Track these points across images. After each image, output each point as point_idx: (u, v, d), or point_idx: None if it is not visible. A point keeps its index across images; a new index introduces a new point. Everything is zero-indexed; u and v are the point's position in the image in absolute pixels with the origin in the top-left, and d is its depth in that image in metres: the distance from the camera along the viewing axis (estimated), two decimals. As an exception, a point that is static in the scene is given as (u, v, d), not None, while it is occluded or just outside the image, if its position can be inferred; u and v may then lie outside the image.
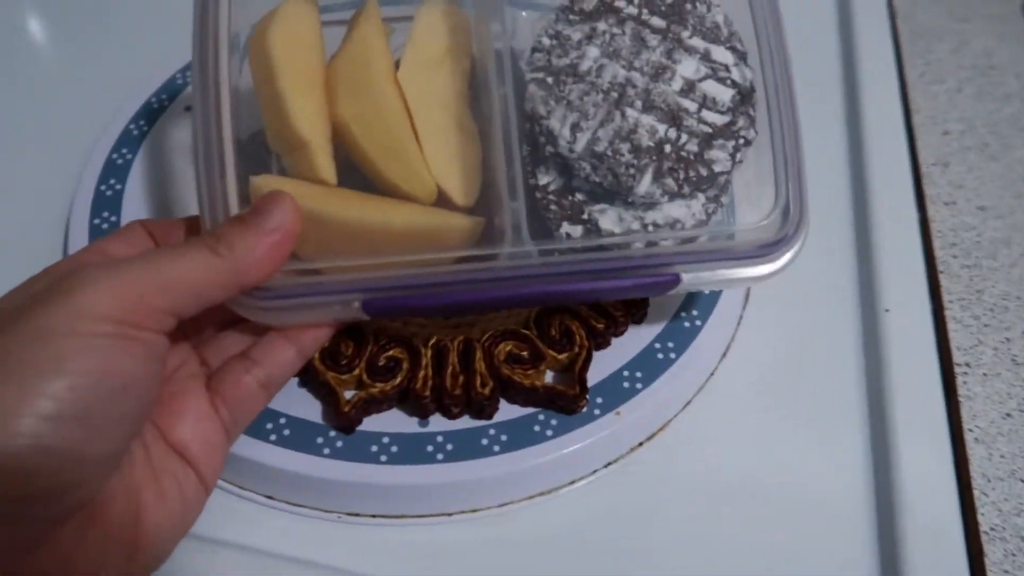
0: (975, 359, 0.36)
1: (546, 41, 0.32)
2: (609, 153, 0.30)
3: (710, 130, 0.31)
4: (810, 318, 0.39)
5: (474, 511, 0.32)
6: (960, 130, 0.47)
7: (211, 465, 0.25)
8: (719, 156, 0.31)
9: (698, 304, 0.36)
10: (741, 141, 0.31)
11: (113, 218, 0.38)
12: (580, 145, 0.31)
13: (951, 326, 0.38)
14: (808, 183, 0.30)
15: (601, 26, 0.32)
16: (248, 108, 0.31)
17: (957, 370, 0.36)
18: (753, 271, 0.30)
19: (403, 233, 0.31)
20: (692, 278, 0.29)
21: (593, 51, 0.32)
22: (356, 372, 0.32)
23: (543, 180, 0.32)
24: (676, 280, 0.29)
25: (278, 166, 0.32)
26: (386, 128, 0.31)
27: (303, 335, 0.28)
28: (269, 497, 0.32)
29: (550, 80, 0.31)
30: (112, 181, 0.39)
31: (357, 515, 0.31)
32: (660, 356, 0.34)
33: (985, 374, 0.36)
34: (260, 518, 0.31)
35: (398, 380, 0.32)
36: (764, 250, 0.29)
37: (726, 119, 0.31)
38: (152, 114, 0.42)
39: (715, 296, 0.37)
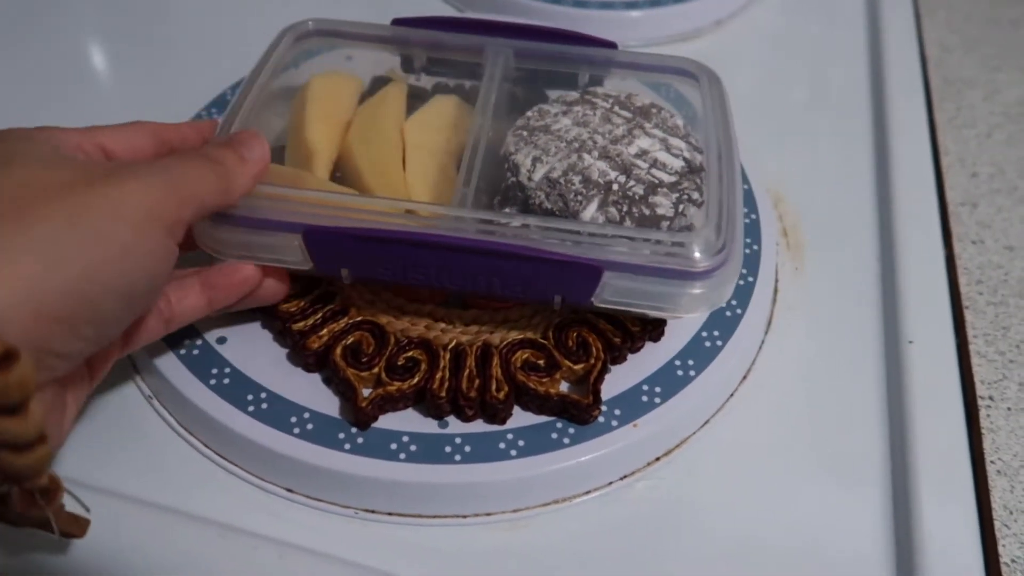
0: (999, 393, 0.36)
1: (529, 114, 0.37)
2: (562, 181, 0.33)
3: (656, 182, 0.34)
4: (833, 347, 0.39)
5: (488, 515, 0.32)
6: (989, 173, 0.47)
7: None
8: (663, 202, 0.33)
9: (719, 325, 0.37)
10: (686, 197, 0.34)
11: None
12: (538, 175, 0.34)
13: (975, 360, 0.37)
14: (740, 231, 0.32)
15: (577, 108, 0.37)
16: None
17: (980, 403, 0.36)
18: (682, 288, 0.30)
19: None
20: (617, 278, 0.30)
21: (566, 120, 0.36)
22: (375, 370, 0.33)
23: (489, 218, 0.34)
24: (597, 270, 0.30)
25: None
26: (380, 153, 0.36)
27: (221, 283, 0.32)
28: (289, 490, 0.32)
29: (525, 134, 0.36)
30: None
31: (373, 512, 0.32)
32: (680, 373, 0.35)
33: (1009, 408, 0.36)
34: (280, 509, 0.32)
35: (416, 380, 0.33)
36: (694, 267, 0.30)
37: (673, 179, 0.34)
38: (202, 126, 0.44)
39: (736, 319, 0.37)
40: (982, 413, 0.35)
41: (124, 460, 0.33)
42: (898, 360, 0.37)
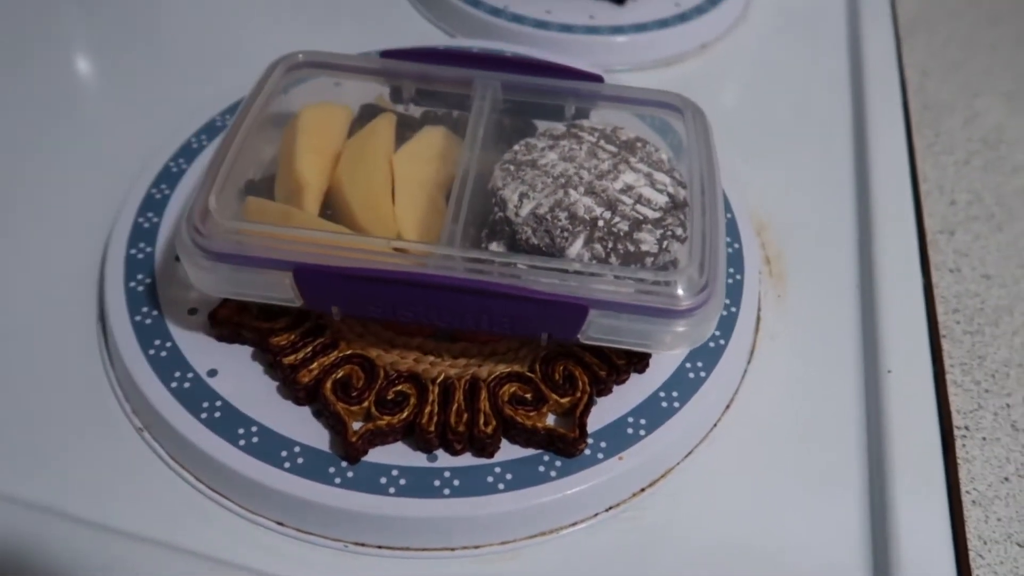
0: (975, 423, 0.37)
1: (516, 148, 0.37)
2: (548, 217, 0.34)
3: (641, 218, 0.34)
4: (813, 376, 0.39)
5: (477, 547, 0.33)
6: (967, 200, 0.48)
7: None
8: (647, 238, 0.34)
9: (703, 356, 0.37)
10: (669, 233, 0.34)
11: (148, 249, 0.40)
12: (525, 211, 0.35)
13: (952, 390, 0.38)
14: (723, 261, 0.33)
15: (563, 142, 0.37)
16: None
17: (957, 433, 0.37)
18: (666, 326, 0.31)
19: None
20: (603, 316, 0.31)
21: (552, 155, 0.37)
22: (365, 404, 0.33)
23: (491, 246, 0.35)
24: (583, 309, 0.30)
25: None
26: (368, 184, 0.37)
27: None
28: (280, 523, 0.33)
29: (512, 168, 0.36)
30: (150, 214, 0.41)
31: (363, 545, 0.32)
32: (664, 404, 0.35)
33: (984, 438, 0.36)
34: (270, 543, 0.32)
35: (405, 414, 0.33)
36: (676, 306, 0.31)
37: (657, 215, 0.35)
38: (191, 153, 0.44)
39: (720, 349, 0.38)
40: (958, 443, 0.36)
41: (114, 493, 0.33)
42: (877, 389, 0.38)
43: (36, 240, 0.42)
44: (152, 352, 0.35)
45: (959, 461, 0.36)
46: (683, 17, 0.57)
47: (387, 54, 0.40)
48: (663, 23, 0.56)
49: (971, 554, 0.32)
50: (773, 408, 0.38)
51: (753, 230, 0.44)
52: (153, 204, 0.42)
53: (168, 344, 0.36)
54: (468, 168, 0.35)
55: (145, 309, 0.37)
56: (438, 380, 0.34)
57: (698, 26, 0.57)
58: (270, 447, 0.33)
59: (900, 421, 0.37)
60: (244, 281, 0.32)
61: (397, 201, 0.37)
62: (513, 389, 0.34)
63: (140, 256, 0.39)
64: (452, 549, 0.32)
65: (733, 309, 0.39)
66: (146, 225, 0.41)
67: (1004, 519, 0.34)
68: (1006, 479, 0.35)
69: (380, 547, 0.32)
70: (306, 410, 0.34)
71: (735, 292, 0.40)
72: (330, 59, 0.40)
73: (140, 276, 0.38)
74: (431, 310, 0.31)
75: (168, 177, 0.43)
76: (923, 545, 0.33)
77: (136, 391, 0.35)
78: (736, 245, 0.42)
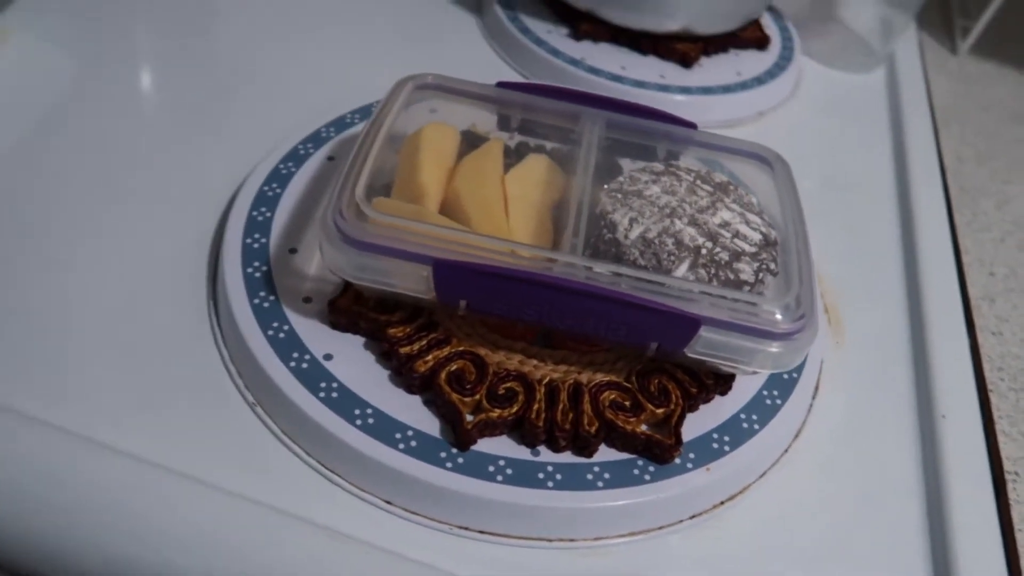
0: (1023, 468, 0.40)
1: (621, 179, 0.40)
2: (656, 241, 0.37)
3: (739, 250, 0.38)
4: (872, 415, 0.42)
5: (572, 540, 0.34)
6: (1004, 273, 0.52)
7: None
8: (745, 269, 0.37)
9: (778, 386, 0.40)
10: (764, 267, 0.38)
11: (263, 240, 0.42)
12: (635, 234, 0.37)
13: (1000, 439, 0.41)
14: (817, 296, 0.37)
15: (664, 178, 0.41)
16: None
17: (1007, 477, 0.40)
18: (763, 346, 0.34)
19: None
20: (711, 331, 0.34)
21: (656, 188, 0.40)
22: (477, 397, 0.35)
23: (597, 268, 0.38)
24: (696, 323, 0.33)
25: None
26: (486, 197, 0.40)
27: None
28: (388, 502, 0.34)
29: (620, 196, 0.39)
30: (263, 209, 0.44)
31: (467, 528, 0.34)
32: (745, 425, 0.38)
33: (1033, 484, 0.39)
34: (379, 519, 0.34)
35: (515, 409, 0.35)
36: (776, 328, 0.34)
37: (753, 249, 0.38)
38: (299, 158, 0.47)
39: (792, 382, 0.41)
40: (1009, 486, 0.39)
41: (227, 461, 0.35)
42: (932, 431, 0.41)
43: (150, 229, 0.44)
44: (271, 333, 0.37)
45: (1011, 503, 0.38)
46: (744, 85, 0.62)
47: (503, 85, 0.44)
48: (727, 88, 0.61)
49: (1026, 585, 0.35)
50: (836, 440, 0.41)
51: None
52: (265, 200, 0.44)
53: (286, 327, 0.38)
54: (583, 193, 0.38)
55: (263, 294, 0.39)
56: (543, 381, 0.37)
57: (756, 95, 0.62)
58: (385, 429, 0.35)
59: (955, 460, 0.39)
60: (382, 270, 0.34)
61: (511, 215, 0.39)
62: (613, 396, 0.37)
63: (255, 246, 0.42)
64: (550, 540, 0.34)
65: (803, 347, 0.42)
66: (260, 219, 0.43)
67: (1055, 557, 0.36)
68: (1054, 522, 0.38)
69: (483, 531, 0.34)
70: (416, 399, 0.36)
71: (803, 332, 0.43)
72: (453, 83, 0.43)
73: (256, 263, 0.41)
74: (555, 311, 0.34)
75: (278, 177, 0.46)
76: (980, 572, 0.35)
77: (255, 368, 0.37)
78: (803, 290, 0.45)
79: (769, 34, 0.67)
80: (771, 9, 0.71)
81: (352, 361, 0.37)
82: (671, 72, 0.61)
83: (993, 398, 0.43)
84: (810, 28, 0.70)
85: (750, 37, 0.65)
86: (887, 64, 0.70)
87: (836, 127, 0.64)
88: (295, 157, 0.47)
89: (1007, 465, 0.40)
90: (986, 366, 0.45)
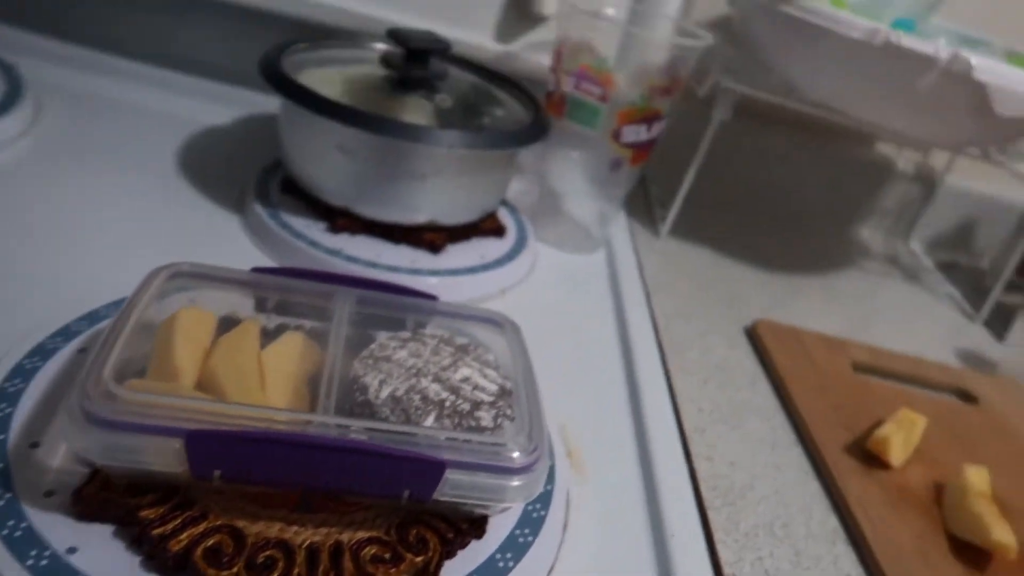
0: (739, 570, 0.46)
1: (373, 347, 0.46)
2: (405, 398, 0.42)
3: (479, 401, 0.44)
4: (615, 541, 0.47)
5: None
6: (710, 409, 0.62)
7: None
8: (485, 416, 0.43)
9: (529, 524, 0.44)
10: (501, 413, 0.44)
11: (1, 436, 0.40)
12: (384, 393, 0.42)
13: (719, 547, 0.48)
14: (547, 433, 0.42)
15: (411, 343, 0.47)
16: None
17: (727, 579, 0.46)
18: (506, 481, 0.39)
19: None
20: (457, 473, 0.37)
21: (403, 352, 0.46)
22: (235, 569, 0.36)
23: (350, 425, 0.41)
24: (442, 465, 0.37)
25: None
26: (241, 373, 0.42)
27: None
28: None
29: (371, 361, 0.44)
30: (3, 404, 0.42)
31: None
32: (500, 564, 0.41)
33: (747, 582, 0.46)
34: None
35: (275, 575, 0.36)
36: (514, 464, 0.39)
37: (491, 399, 0.44)
38: (46, 352, 0.47)
39: (541, 519, 0.45)
40: (729, 587, 0.45)
41: None
42: (665, 550, 0.47)
43: None
44: (6, 532, 0.35)
45: (731, 601, 0.44)
46: (487, 267, 0.70)
47: (258, 270, 0.47)
48: (472, 270, 0.69)
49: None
50: (586, 570, 0.45)
51: (557, 428, 0.54)
52: (6, 396, 0.43)
53: (23, 524, 0.36)
54: (334, 362, 0.42)
55: (-3, 492, 0.37)
56: (304, 545, 0.38)
57: (499, 274, 0.71)
58: (136, 617, 0.34)
59: (684, 572, 0.45)
60: (133, 448, 0.35)
61: (268, 389, 0.42)
62: (374, 551, 0.38)
63: (-10, 443, 0.40)
64: None
65: (549, 487, 0.47)
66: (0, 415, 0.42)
67: (770, 642, 0.42)
68: (767, 613, 0.44)
69: None
70: (174, 581, 0.36)
71: (548, 475, 0.48)
72: (208, 270, 0.46)
73: (-9, 462, 0.39)
74: (310, 471, 0.36)
75: (22, 372, 0.45)
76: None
77: (-16, 572, 0.34)
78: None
79: (505, 224, 0.77)
80: (505, 203, 0.82)
81: (99, 552, 0.36)
82: (422, 258, 0.68)
83: (711, 514, 0.50)
84: (541, 219, 0.82)
85: (489, 227, 0.75)
86: (606, 246, 0.83)
87: (568, 298, 0.74)
88: (41, 352, 0.47)
89: (726, 569, 0.46)
90: (702, 487, 0.53)
